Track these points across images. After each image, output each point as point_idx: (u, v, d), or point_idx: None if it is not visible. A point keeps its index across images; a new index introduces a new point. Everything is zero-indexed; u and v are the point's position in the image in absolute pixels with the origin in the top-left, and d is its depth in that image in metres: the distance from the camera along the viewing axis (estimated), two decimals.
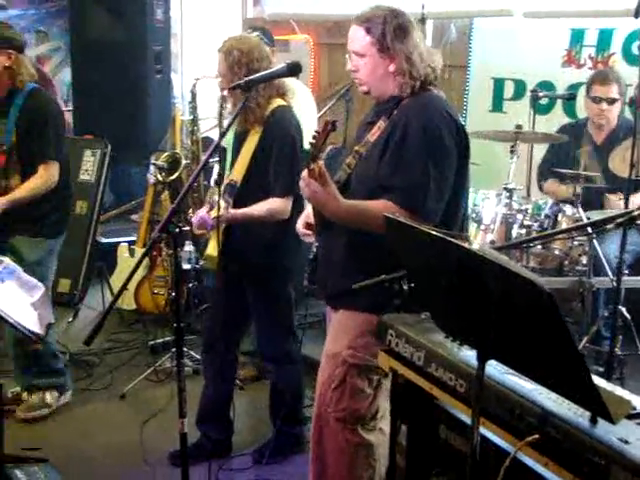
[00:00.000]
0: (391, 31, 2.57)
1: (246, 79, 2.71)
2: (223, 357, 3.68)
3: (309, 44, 6.31)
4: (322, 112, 3.64)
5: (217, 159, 3.34)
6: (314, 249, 2.88)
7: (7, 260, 2.83)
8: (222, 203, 3.30)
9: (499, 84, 5.30)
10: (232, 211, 3.34)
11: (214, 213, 3.27)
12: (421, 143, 2.51)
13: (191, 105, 4.48)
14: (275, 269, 3.42)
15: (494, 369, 1.93)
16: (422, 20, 4.81)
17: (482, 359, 1.78)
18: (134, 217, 6.99)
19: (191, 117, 4.44)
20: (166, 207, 4.98)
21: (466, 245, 1.67)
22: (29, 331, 2.52)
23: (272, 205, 3.29)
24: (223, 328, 3.62)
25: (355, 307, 2.69)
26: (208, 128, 4.98)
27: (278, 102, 3.38)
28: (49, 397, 4.12)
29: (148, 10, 5.81)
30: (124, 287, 2.51)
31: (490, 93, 5.36)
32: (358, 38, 2.62)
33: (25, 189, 3.85)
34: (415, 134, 2.52)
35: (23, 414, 4.02)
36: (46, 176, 3.86)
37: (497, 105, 5.35)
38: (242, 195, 3.36)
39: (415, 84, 2.60)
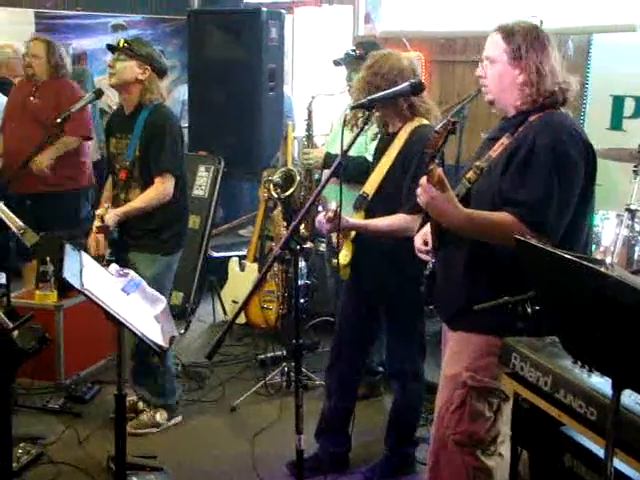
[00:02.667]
0: (528, 42, 2.56)
1: (369, 98, 2.72)
2: (347, 372, 3.70)
3: (420, 61, 6.28)
4: (436, 129, 3.59)
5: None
6: (430, 265, 2.83)
7: (133, 273, 2.90)
8: (333, 205, 3.29)
9: (619, 101, 5.14)
10: (352, 220, 3.35)
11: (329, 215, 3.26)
12: (548, 159, 2.47)
13: (307, 122, 4.52)
14: (408, 283, 3.28)
15: (628, 398, 1.86)
16: None
17: (618, 387, 1.72)
18: (242, 232, 7.13)
19: (306, 134, 4.48)
20: (278, 223, 5.03)
21: (604, 270, 1.61)
22: (154, 343, 2.58)
23: (397, 221, 3.27)
24: (349, 343, 3.65)
25: (475, 328, 2.64)
26: (321, 144, 5.02)
27: (421, 121, 3.38)
28: (159, 416, 4.17)
29: (264, 29, 5.90)
30: (246, 304, 2.55)
31: (609, 110, 5.19)
32: (494, 43, 2.62)
33: (140, 200, 3.92)
34: (542, 150, 2.48)
35: (132, 429, 4.05)
36: (161, 188, 3.91)
37: (616, 123, 5.18)
38: (372, 208, 3.39)
39: (539, 99, 2.56)
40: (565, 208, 2.50)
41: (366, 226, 3.35)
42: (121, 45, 3.94)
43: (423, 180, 2.44)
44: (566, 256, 1.72)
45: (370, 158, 3.74)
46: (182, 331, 5.56)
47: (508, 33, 2.59)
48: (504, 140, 2.61)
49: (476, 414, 2.65)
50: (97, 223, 3.84)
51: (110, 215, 3.85)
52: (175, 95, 7.81)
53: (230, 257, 5.91)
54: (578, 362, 2.05)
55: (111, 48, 4.01)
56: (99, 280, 2.72)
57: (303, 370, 4.65)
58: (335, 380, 3.72)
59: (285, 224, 4.98)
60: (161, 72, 4.04)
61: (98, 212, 3.89)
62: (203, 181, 6.06)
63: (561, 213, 2.49)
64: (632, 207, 3.91)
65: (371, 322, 3.63)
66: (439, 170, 2.38)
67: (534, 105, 2.58)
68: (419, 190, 2.46)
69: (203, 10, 7.26)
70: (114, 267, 2.95)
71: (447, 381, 2.74)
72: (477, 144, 4.87)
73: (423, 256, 2.82)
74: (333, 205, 3.27)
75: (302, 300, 4.88)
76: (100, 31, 7.95)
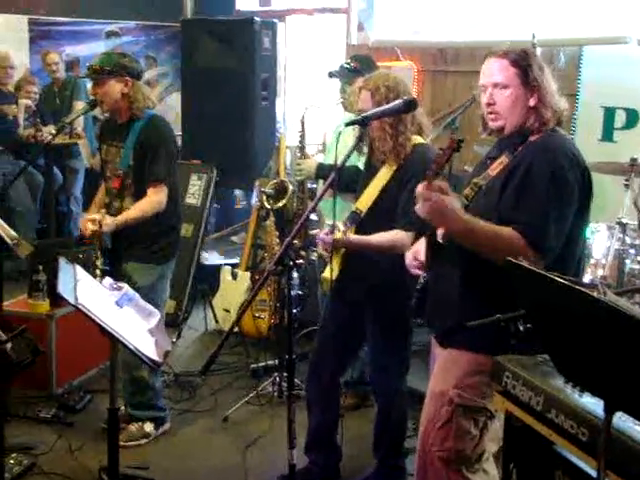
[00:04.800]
0: (535, 64, 2.58)
1: (362, 115, 2.73)
2: (328, 384, 3.69)
3: (412, 71, 6.31)
4: (427, 140, 3.62)
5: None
6: (422, 280, 2.84)
7: (126, 287, 2.91)
8: (340, 226, 3.33)
9: (610, 113, 5.17)
10: (351, 237, 3.35)
11: (336, 235, 3.29)
12: (546, 181, 2.50)
13: (300, 133, 4.54)
14: (396, 293, 3.32)
15: (620, 419, 1.87)
16: (532, 47, 4.74)
17: (610, 410, 1.74)
18: (234, 238, 7.14)
19: (299, 145, 4.50)
20: (270, 233, 5.03)
21: (596, 295, 1.63)
22: (148, 358, 2.58)
23: (394, 237, 3.27)
24: (332, 355, 3.64)
25: (465, 346, 2.65)
26: (313, 153, 5.04)
27: (418, 139, 3.39)
28: (148, 427, 4.16)
29: (257, 39, 5.92)
30: (240, 318, 2.56)
31: (600, 122, 5.22)
32: (501, 69, 2.60)
33: (135, 210, 3.92)
34: (541, 171, 2.51)
35: (122, 442, 3.92)
36: (155, 198, 3.92)
37: (607, 134, 5.20)
38: (364, 224, 3.38)
39: (552, 120, 2.59)
40: (561, 230, 2.53)
41: (368, 242, 3.33)
42: (93, 70, 3.93)
43: (420, 187, 2.42)
44: (559, 280, 1.73)
45: (362, 166, 3.76)
46: (174, 339, 5.55)
47: (512, 56, 2.59)
48: (503, 159, 2.63)
49: (462, 432, 2.66)
50: (93, 227, 3.79)
51: (108, 222, 3.83)
52: (168, 102, 7.82)
53: (222, 265, 5.92)
54: (570, 382, 2.07)
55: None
56: (93, 294, 2.72)
57: (295, 381, 4.66)
58: (316, 392, 3.71)
59: (277, 234, 5.00)
60: (138, 75, 4.01)
61: (96, 217, 3.85)
62: (196, 189, 6.08)
63: (557, 236, 2.52)
64: (623, 220, 3.94)
65: (357, 334, 3.62)
66: (444, 183, 2.41)
67: (545, 126, 2.60)
68: (418, 198, 2.43)
69: (196, 19, 7.26)
70: (108, 280, 2.95)
71: (434, 397, 2.74)
72: (469, 154, 4.91)
73: (414, 270, 2.82)
74: (341, 225, 3.29)
75: (294, 310, 4.88)
76: (94, 38, 7.95)
